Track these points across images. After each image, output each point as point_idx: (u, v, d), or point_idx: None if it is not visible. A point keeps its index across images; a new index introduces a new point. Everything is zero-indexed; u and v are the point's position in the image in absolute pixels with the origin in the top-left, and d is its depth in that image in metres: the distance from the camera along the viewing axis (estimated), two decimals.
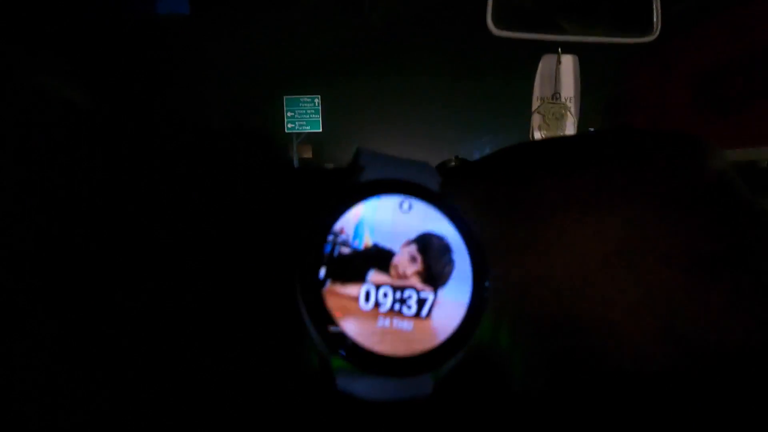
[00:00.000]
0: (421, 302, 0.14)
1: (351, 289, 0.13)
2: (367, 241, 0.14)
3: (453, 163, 1.34)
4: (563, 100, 1.00)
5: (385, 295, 0.14)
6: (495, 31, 0.85)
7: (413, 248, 0.14)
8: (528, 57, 1.06)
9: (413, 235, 0.14)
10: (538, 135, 1.01)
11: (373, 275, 0.14)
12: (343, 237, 0.14)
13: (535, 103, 1.01)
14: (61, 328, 0.16)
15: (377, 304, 0.13)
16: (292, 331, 0.15)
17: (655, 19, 0.91)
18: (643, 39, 0.92)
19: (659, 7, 0.90)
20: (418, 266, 0.14)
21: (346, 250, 0.14)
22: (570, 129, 1.00)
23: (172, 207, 0.17)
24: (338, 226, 0.14)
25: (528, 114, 1.04)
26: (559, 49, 0.97)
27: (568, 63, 1.00)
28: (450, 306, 0.14)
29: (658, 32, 0.92)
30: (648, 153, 0.17)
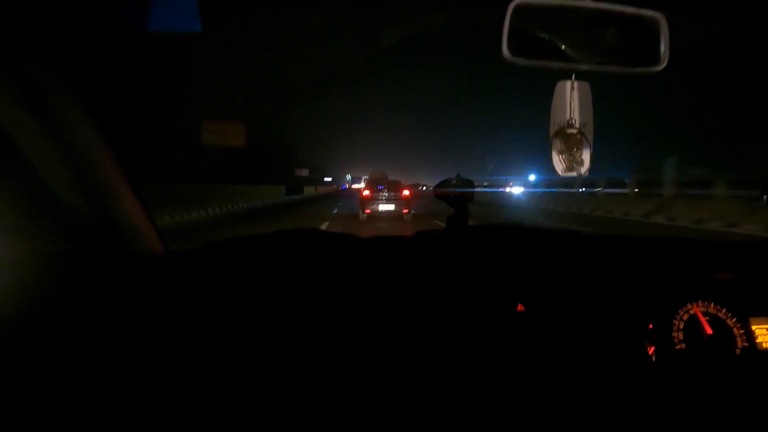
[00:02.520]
0: None
1: None
2: None
3: (454, 182, 1.34)
4: (578, 126, 1.01)
5: None
6: (509, 57, 0.87)
7: None
8: (532, 86, 1.07)
9: None
10: (558, 161, 1.02)
11: None
12: None
13: (553, 129, 1.02)
14: None
15: None
16: None
17: (662, 50, 0.94)
18: (651, 69, 0.95)
19: (668, 39, 0.93)
20: None
21: None
22: (586, 156, 1.01)
23: None
24: None
25: (533, 139, 1.05)
26: (573, 76, 0.99)
27: (581, 90, 1.01)
28: None
29: (666, 62, 0.95)
30: None
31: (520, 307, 0.96)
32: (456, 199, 1.25)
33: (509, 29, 0.87)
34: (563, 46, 0.91)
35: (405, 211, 11.98)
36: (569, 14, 0.91)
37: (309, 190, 39.69)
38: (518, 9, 0.87)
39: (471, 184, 1.34)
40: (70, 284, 0.80)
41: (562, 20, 0.91)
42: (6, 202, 0.74)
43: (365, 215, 11.98)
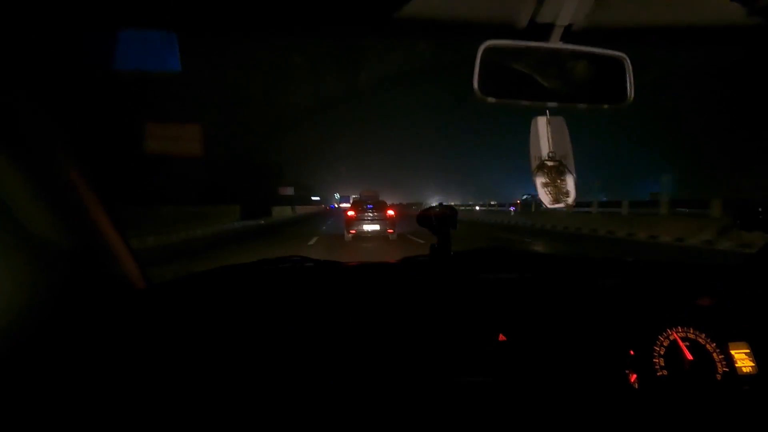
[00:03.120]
0: None
1: None
2: None
3: (437, 209, 1.36)
4: (558, 158, 1.03)
5: None
6: (481, 96, 0.90)
7: None
8: (509, 118, 1.09)
9: None
10: (543, 192, 1.03)
11: None
12: None
13: (534, 163, 1.03)
14: None
15: None
16: None
17: (628, 88, 0.98)
18: (618, 105, 0.99)
19: (632, 76, 0.97)
20: None
21: None
22: (571, 186, 1.03)
23: None
24: None
25: (505, 169, 1.07)
26: (547, 111, 1.02)
27: (557, 124, 1.04)
28: None
29: (631, 98, 0.99)
30: None
31: (501, 337, 0.96)
32: (439, 226, 1.27)
33: (480, 69, 0.90)
34: (532, 85, 0.94)
35: (390, 231, 12.13)
36: (538, 54, 0.95)
37: (282, 212, 30.06)
38: (488, 50, 0.90)
39: (453, 211, 1.36)
40: (48, 318, 0.80)
41: (530, 60, 0.95)
42: None
43: (350, 235, 12.10)
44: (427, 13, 0.95)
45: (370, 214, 12.20)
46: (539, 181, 1.04)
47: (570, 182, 1.05)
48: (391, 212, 12.41)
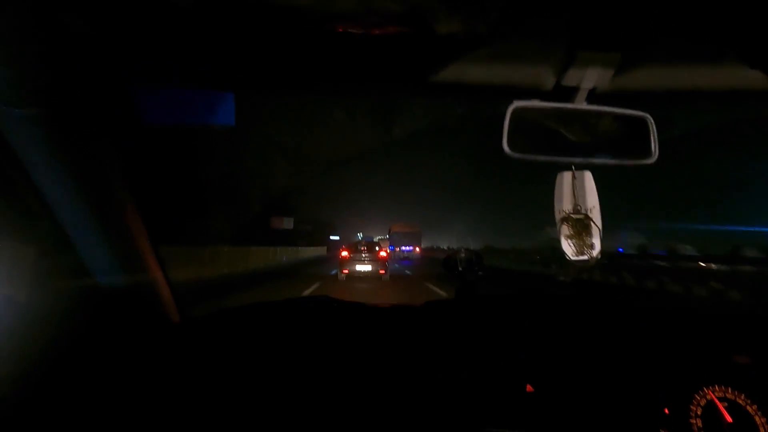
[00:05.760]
0: None
1: None
2: None
3: (463, 254, 1.39)
4: (585, 211, 1.07)
5: None
6: (510, 153, 0.97)
7: None
8: (533, 172, 1.13)
9: None
10: (567, 245, 1.06)
11: None
12: None
13: (559, 215, 1.07)
14: None
15: None
16: None
17: (652, 146, 1.02)
18: (643, 162, 1.02)
19: (656, 135, 1.02)
20: None
21: None
22: (596, 238, 1.05)
23: None
24: None
25: (538, 220, 1.09)
26: (573, 167, 1.07)
27: (583, 178, 1.08)
28: None
29: (656, 155, 1.02)
30: None
31: (529, 388, 0.96)
32: (464, 271, 1.29)
33: (509, 128, 0.96)
34: (558, 142, 1.00)
35: (381, 272, 12.43)
36: (563, 114, 1.01)
37: None
38: (517, 110, 0.97)
39: (479, 256, 1.39)
40: (83, 344, 0.86)
41: (557, 119, 1.01)
42: (37, 254, 0.82)
43: (343, 275, 12.41)
44: (459, 76, 1.03)
45: (363, 256, 12.61)
46: (563, 233, 1.07)
47: (595, 235, 1.07)
48: (383, 254, 12.86)
